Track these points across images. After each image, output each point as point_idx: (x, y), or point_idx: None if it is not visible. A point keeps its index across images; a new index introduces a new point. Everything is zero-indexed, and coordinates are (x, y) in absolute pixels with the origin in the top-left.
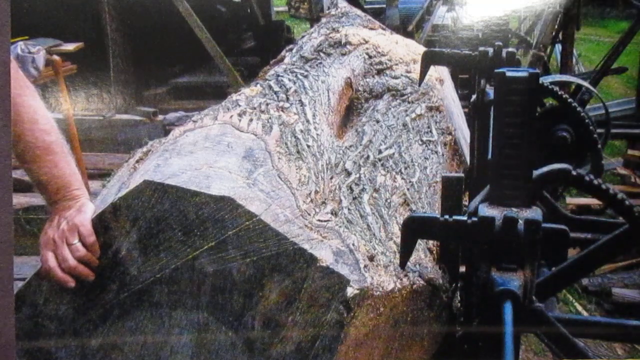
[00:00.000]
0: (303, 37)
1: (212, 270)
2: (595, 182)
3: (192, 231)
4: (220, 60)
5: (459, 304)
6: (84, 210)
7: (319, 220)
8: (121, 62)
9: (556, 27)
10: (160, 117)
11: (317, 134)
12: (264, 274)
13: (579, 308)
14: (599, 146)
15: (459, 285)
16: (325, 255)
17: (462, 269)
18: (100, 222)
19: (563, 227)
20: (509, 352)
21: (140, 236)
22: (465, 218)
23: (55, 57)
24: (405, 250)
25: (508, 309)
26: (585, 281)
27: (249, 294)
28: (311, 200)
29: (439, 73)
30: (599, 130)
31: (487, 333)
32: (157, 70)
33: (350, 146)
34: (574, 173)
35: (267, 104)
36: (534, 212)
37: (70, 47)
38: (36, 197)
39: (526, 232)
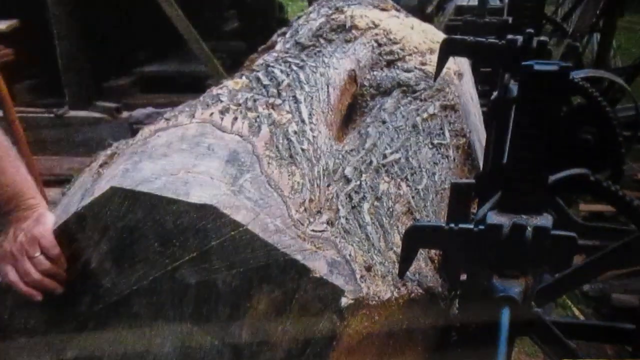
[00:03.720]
0: (299, 18)
1: (194, 281)
2: (612, 188)
3: (170, 241)
4: (196, 45)
5: (456, 311)
6: (43, 220)
7: (313, 230)
8: (69, 46)
9: (598, 12)
10: (125, 113)
11: (314, 136)
12: (251, 284)
13: (577, 312)
14: (622, 150)
15: (458, 292)
16: (318, 266)
17: (463, 277)
18: (65, 233)
19: (571, 234)
20: (501, 355)
21: (111, 247)
22: (471, 226)
23: None
24: (406, 260)
25: (505, 315)
26: (586, 286)
27: (236, 305)
28: (305, 210)
29: (459, 66)
30: (625, 133)
31: (482, 337)
32: (117, 56)
33: (352, 150)
34: (592, 178)
35: (255, 100)
36: (544, 219)
37: (2, 26)
38: None
39: (534, 240)
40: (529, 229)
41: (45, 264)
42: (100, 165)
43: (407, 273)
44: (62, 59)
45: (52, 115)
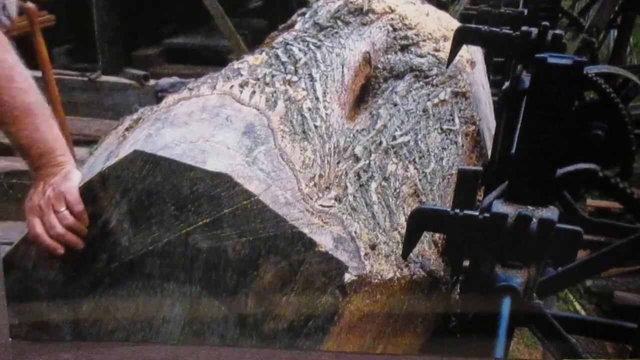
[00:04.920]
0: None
1: (206, 246)
2: (621, 185)
3: (185, 206)
4: (221, 21)
5: (457, 296)
6: (70, 177)
7: (321, 205)
8: (106, 15)
9: (616, 8)
10: (152, 81)
11: (327, 114)
12: (259, 254)
13: (578, 307)
14: (633, 148)
15: (460, 278)
16: (324, 241)
17: (466, 263)
18: (88, 191)
19: (577, 228)
20: (500, 344)
21: (130, 208)
22: (476, 213)
23: (30, 5)
24: (410, 242)
25: (506, 304)
26: (588, 282)
27: (244, 273)
28: (314, 185)
29: (471, 54)
30: (637, 131)
31: (482, 324)
32: (148, 27)
33: (362, 130)
34: (600, 174)
35: (273, 76)
36: (550, 212)
37: None
38: (18, 161)
39: (538, 232)
40: (534, 220)
41: (70, 218)
42: (126, 129)
43: (411, 255)
44: (98, 27)
45: (85, 79)
